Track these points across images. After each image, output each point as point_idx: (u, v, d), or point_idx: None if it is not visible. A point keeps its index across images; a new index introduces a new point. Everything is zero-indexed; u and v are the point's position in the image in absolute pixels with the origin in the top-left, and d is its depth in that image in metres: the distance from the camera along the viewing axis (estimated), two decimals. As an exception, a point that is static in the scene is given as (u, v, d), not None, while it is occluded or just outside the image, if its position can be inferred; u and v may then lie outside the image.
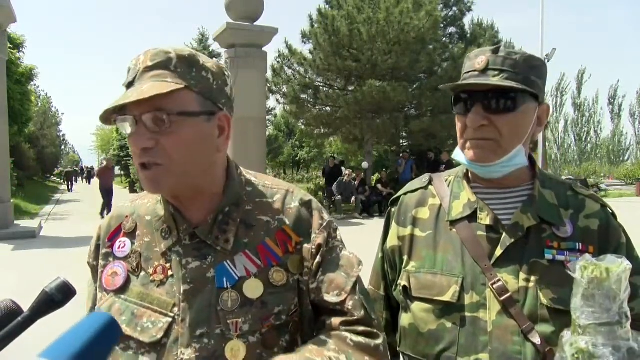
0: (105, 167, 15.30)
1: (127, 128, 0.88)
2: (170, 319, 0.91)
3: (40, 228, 11.18)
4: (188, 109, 0.89)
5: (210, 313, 0.90)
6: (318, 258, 0.97)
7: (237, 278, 0.93)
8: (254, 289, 0.92)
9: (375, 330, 0.94)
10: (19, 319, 0.78)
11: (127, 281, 0.97)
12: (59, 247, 8.94)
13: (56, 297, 0.81)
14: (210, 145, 0.94)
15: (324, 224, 1.01)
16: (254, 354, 0.90)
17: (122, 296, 0.96)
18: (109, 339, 0.70)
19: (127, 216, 1.04)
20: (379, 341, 0.93)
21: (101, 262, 1.02)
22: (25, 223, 11.63)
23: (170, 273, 0.94)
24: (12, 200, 11.40)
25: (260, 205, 1.01)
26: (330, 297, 0.94)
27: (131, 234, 1.01)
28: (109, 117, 0.90)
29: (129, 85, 0.90)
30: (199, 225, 0.96)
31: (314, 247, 0.98)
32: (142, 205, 1.05)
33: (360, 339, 0.90)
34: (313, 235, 0.99)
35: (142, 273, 0.96)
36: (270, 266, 0.95)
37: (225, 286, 0.92)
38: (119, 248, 1.01)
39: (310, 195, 1.07)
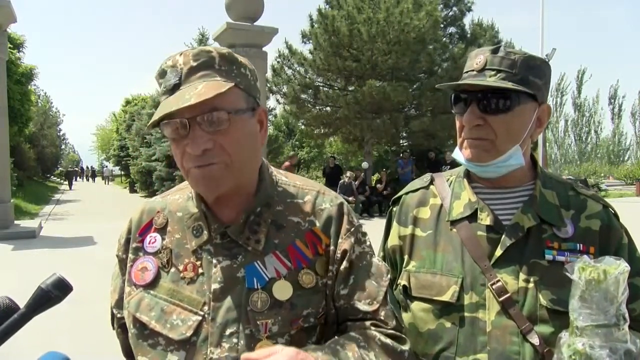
0: (291, 166, 13.44)
1: (172, 132, 0.87)
2: (200, 317, 0.91)
3: (40, 228, 11.16)
4: (240, 106, 0.90)
5: (240, 313, 0.90)
6: (345, 263, 0.96)
7: (267, 279, 0.92)
8: (283, 290, 0.92)
9: (403, 337, 0.95)
10: (15, 315, 0.78)
11: (157, 277, 0.96)
12: (59, 247, 8.93)
13: (52, 294, 0.81)
14: (257, 140, 0.96)
15: (352, 229, 1.00)
16: None
17: (152, 291, 0.95)
18: None
19: (158, 211, 1.04)
20: (406, 347, 0.93)
21: (131, 255, 1.01)
22: (25, 223, 11.62)
23: (200, 271, 0.94)
24: (12, 200, 11.38)
25: (291, 206, 1.00)
26: (362, 306, 0.94)
27: (162, 230, 1.01)
28: (158, 123, 0.89)
29: (174, 88, 0.88)
30: (230, 225, 0.96)
31: (339, 251, 0.97)
32: (173, 201, 1.05)
33: (388, 341, 0.90)
34: (339, 240, 0.98)
35: (172, 269, 0.96)
36: (300, 268, 0.95)
37: (256, 287, 0.92)
38: (149, 243, 1.00)
39: (342, 198, 1.06)
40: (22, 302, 0.83)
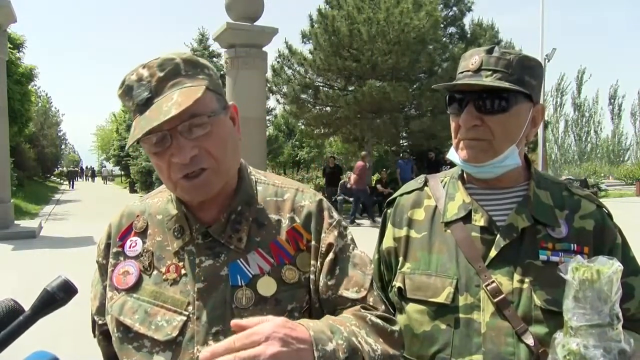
0: (365, 166, 12.93)
1: (153, 146, 0.87)
2: (185, 317, 0.91)
3: (40, 228, 11.17)
4: (214, 108, 0.91)
5: (225, 310, 0.91)
6: (331, 255, 0.97)
7: (250, 276, 0.93)
8: (267, 286, 0.93)
9: (393, 318, 0.96)
10: (21, 318, 0.79)
11: (139, 280, 0.97)
12: (59, 247, 8.94)
13: (58, 296, 0.81)
14: (236, 137, 0.97)
15: (334, 223, 1.01)
16: None
17: (134, 295, 0.96)
18: None
19: (137, 215, 1.04)
20: (396, 328, 0.93)
21: (111, 260, 1.01)
22: (25, 223, 11.62)
23: (183, 272, 0.95)
24: (12, 200, 11.39)
25: (271, 204, 1.02)
26: (350, 294, 0.94)
27: (142, 233, 1.02)
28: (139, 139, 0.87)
29: (147, 101, 0.87)
30: (211, 224, 0.96)
31: (323, 246, 0.98)
32: (152, 204, 1.05)
33: (379, 320, 0.91)
34: (323, 235, 0.99)
35: (155, 272, 0.97)
36: (283, 264, 0.96)
37: (240, 284, 0.93)
38: (130, 247, 1.01)
39: (320, 194, 1.07)
40: (22, 302, 0.83)
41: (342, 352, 0.77)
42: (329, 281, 0.96)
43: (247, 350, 0.69)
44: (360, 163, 13.04)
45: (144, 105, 0.87)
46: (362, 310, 0.92)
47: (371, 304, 0.94)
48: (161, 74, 0.88)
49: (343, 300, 0.95)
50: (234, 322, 0.74)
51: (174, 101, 0.83)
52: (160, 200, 1.05)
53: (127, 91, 0.90)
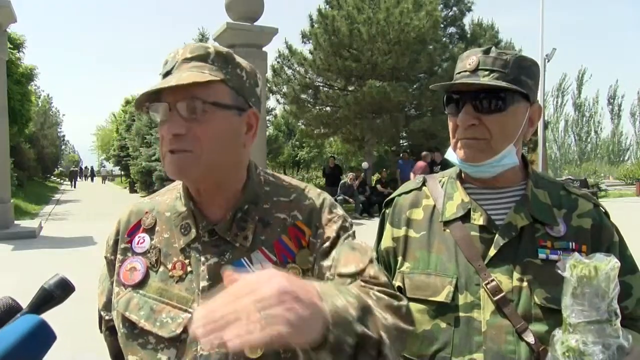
0: (426, 166, 12.64)
1: (159, 115, 0.91)
2: (189, 315, 0.91)
3: (40, 228, 11.16)
4: (222, 101, 0.91)
5: None
6: (327, 243, 0.96)
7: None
8: None
9: (398, 294, 0.90)
10: (18, 315, 0.79)
11: (146, 276, 0.97)
12: (59, 247, 8.94)
13: (55, 293, 0.82)
14: (239, 139, 0.96)
15: (334, 218, 1.01)
16: (272, 349, 0.88)
17: (141, 291, 0.96)
18: (39, 342, 0.71)
19: (146, 212, 1.05)
20: (403, 303, 0.88)
21: (119, 256, 1.02)
22: (25, 223, 11.62)
23: (189, 269, 0.95)
24: (12, 200, 11.39)
25: (277, 203, 1.02)
26: (348, 269, 0.91)
27: (150, 230, 1.02)
28: (142, 103, 0.92)
29: (166, 74, 0.92)
30: (218, 222, 0.97)
31: (321, 239, 0.98)
32: (161, 201, 1.06)
33: (383, 295, 0.86)
34: (320, 230, 0.99)
35: (161, 268, 0.97)
36: (286, 263, 0.96)
37: None
38: (138, 243, 1.01)
39: (326, 193, 1.07)
40: (22, 302, 0.83)
41: (353, 309, 0.71)
42: (325, 263, 0.94)
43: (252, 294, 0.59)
44: (421, 163, 12.92)
45: (164, 76, 0.93)
46: (364, 285, 0.88)
47: (371, 274, 0.90)
48: (189, 55, 0.92)
49: (342, 279, 0.91)
50: (227, 271, 0.65)
51: (179, 76, 0.87)
52: (169, 198, 1.06)
53: (165, 63, 0.95)
